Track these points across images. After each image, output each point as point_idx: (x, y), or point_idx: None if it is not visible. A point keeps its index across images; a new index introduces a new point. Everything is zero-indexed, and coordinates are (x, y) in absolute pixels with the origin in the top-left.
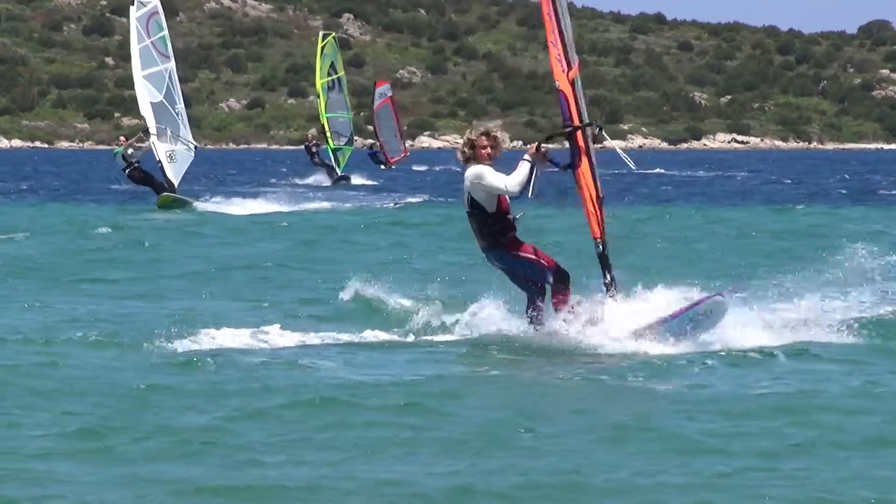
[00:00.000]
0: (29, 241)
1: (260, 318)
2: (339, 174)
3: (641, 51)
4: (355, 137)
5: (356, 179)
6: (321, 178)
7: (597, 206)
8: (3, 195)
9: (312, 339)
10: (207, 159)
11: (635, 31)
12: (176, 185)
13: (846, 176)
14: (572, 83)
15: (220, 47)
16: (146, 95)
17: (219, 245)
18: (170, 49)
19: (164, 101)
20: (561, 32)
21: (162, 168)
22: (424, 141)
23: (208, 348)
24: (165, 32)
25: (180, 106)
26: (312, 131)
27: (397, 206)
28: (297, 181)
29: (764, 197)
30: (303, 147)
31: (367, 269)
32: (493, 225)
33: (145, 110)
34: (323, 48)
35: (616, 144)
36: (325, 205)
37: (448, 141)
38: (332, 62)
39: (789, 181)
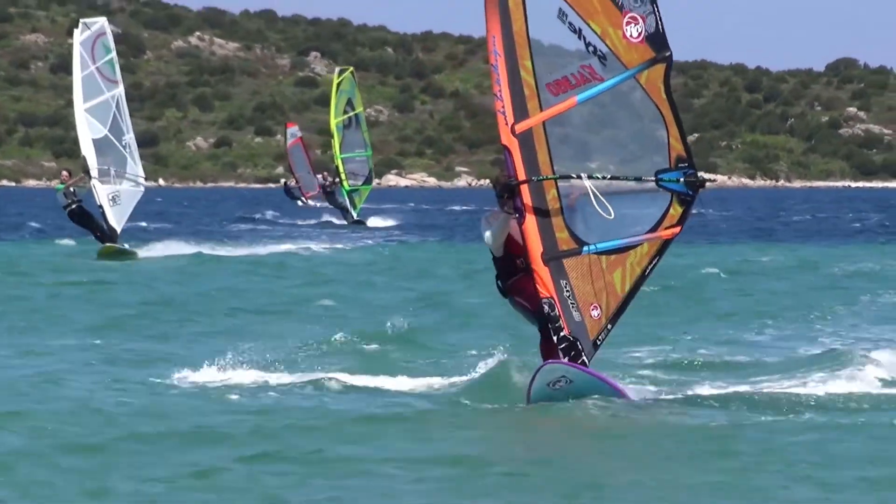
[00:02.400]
0: None
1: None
2: (355, 218)
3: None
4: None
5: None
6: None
7: (541, 265)
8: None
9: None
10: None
11: None
12: (119, 230)
13: None
14: (519, 136)
15: (188, 86)
16: (87, 132)
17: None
18: (118, 73)
19: (109, 134)
20: (510, 83)
21: (103, 213)
22: (392, 179)
23: None
24: (114, 55)
25: (129, 136)
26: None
27: None
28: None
29: None
30: (318, 186)
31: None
32: (502, 268)
33: (86, 149)
34: (339, 84)
35: (589, 186)
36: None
37: (415, 179)
38: (350, 98)
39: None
